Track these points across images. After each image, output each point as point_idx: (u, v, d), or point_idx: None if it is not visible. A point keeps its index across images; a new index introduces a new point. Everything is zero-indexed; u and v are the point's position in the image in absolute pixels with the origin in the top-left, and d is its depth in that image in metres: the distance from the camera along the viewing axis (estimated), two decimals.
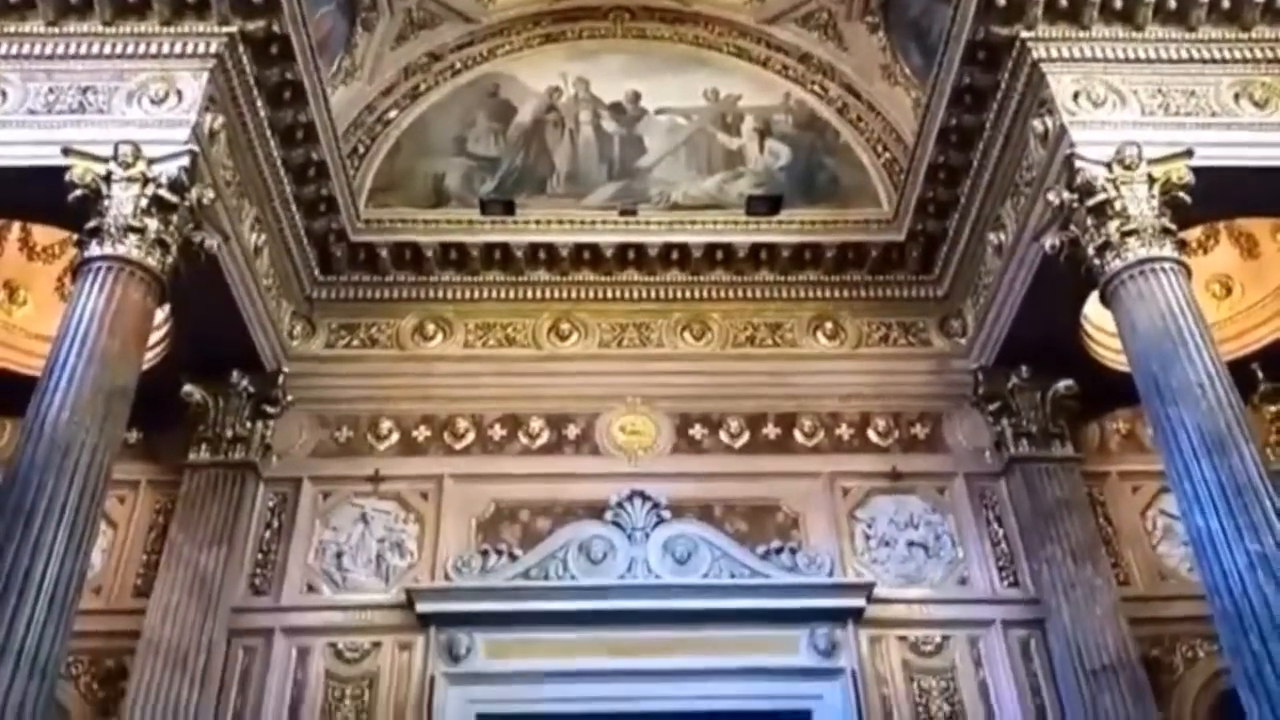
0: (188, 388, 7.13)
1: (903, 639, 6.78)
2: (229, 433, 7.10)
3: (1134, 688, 6.20)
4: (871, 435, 7.65)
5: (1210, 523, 5.00)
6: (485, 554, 7.02)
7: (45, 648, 4.57)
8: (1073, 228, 6.10)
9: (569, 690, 6.57)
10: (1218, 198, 6.05)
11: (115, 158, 5.75)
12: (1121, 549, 7.05)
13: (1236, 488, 5.05)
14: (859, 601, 6.83)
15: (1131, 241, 5.78)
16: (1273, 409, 7.29)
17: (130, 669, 6.22)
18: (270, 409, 7.31)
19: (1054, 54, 6.40)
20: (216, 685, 6.34)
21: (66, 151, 5.78)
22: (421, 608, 6.74)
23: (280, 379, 7.39)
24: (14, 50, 6.26)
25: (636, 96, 9.07)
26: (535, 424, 7.62)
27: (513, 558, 7.02)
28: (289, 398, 7.42)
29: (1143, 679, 6.27)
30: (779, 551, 7.08)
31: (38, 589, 4.62)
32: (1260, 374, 7.13)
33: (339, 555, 7.03)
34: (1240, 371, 6.48)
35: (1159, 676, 6.48)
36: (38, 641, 4.56)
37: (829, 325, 8.07)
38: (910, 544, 7.17)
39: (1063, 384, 7.30)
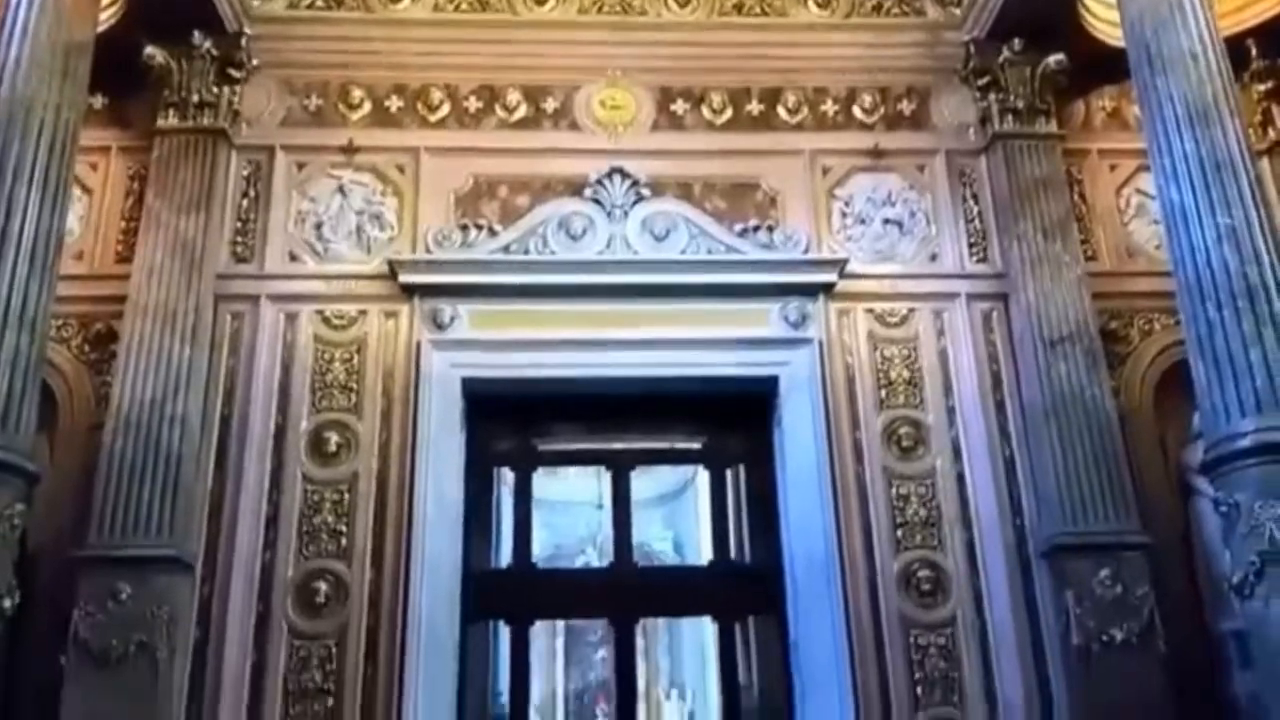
0: (149, 50, 6.82)
1: (870, 311, 7.01)
2: (195, 98, 6.88)
3: (1089, 356, 6.52)
4: (856, 112, 7.50)
5: (1185, 196, 5.06)
6: (465, 228, 7.05)
7: (31, 304, 4.69)
8: None
9: (549, 358, 6.84)
10: None
11: None
12: (1093, 226, 7.17)
13: (1215, 163, 5.07)
14: (831, 276, 7.01)
15: None
16: (1262, 88, 7.17)
17: (119, 332, 6.38)
18: (235, 73, 7.03)
19: None
20: (207, 347, 6.52)
21: None
22: (404, 278, 6.86)
23: (243, 40, 7.06)
24: None
25: None
26: (512, 96, 7.41)
27: (492, 233, 7.06)
28: (254, 61, 7.11)
29: (1099, 348, 6.57)
30: (756, 229, 7.15)
31: (16, 246, 4.68)
32: (1254, 50, 6.96)
33: (318, 226, 7.04)
34: (1236, 49, 6.32)
35: (1114, 347, 6.78)
36: (23, 297, 4.67)
37: None
38: (886, 221, 7.25)
39: (1054, 58, 7.09)
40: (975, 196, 7.29)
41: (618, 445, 7.45)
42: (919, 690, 6.24)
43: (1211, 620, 6.28)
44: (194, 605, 6.11)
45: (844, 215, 7.27)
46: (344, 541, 6.36)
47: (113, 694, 5.61)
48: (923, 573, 6.45)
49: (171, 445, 6.10)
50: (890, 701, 6.19)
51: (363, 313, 6.84)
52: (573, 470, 11.44)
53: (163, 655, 5.77)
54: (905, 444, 6.72)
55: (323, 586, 6.25)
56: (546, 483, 9.91)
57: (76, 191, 6.37)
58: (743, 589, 7.05)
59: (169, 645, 5.82)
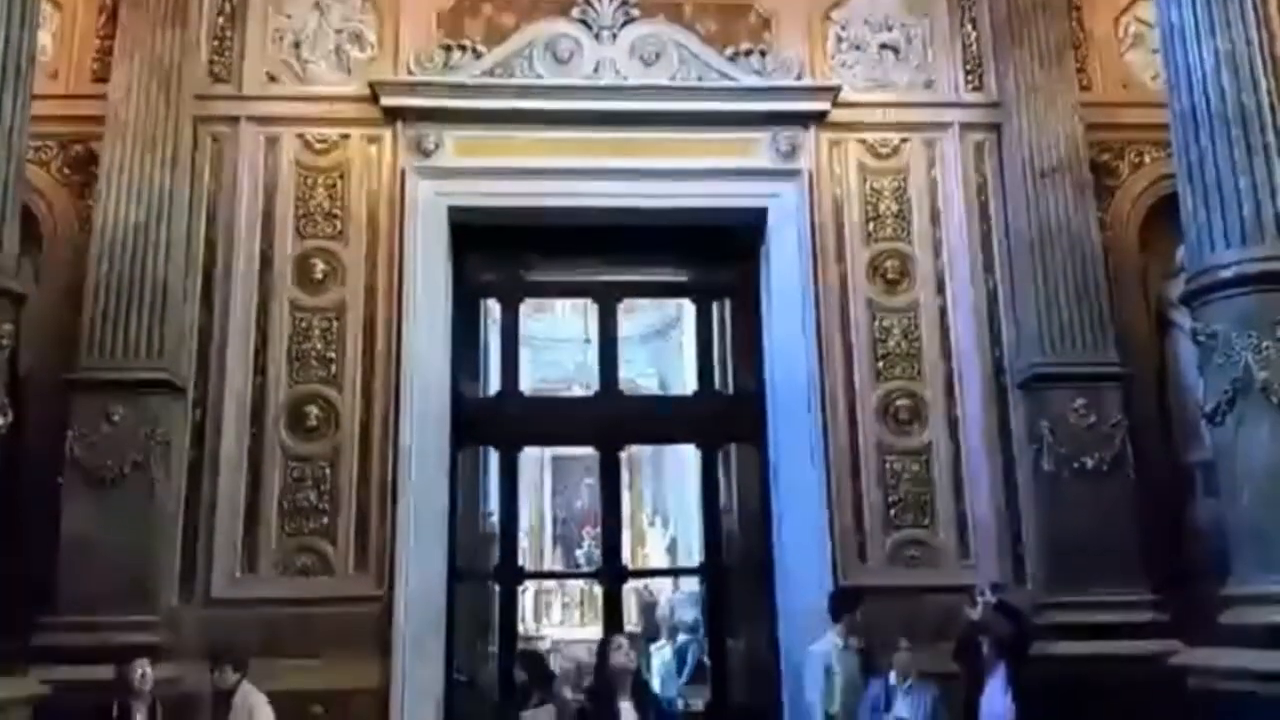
0: None
1: (862, 142, 6.92)
2: None
3: (1078, 188, 6.49)
4: None
5: (1185, 17, 4.94)
6: (448, 49, 6.84)
7: (7, 118, 4.58)
8: None
9: (535, 186, 6.77)
10: None
11: None
12: (1089, 55, 7.00)
13: None
14: (824, 105, 6.88)
15: None
16: None
17: (99, 154, 6.26)
18: None
19: None
20: (189, 171, 6.41)
21: None
22: (386, 101, 6.71)
23: None
24: None
25: None
26: None
27: (477, 54, 6.86)
28: None
29: (1088, 180, 6.54)
30: (748, 54, 6.97)
31: None
32: None
33: (296, 45, 6.82)
34: None
35: (1104, 179, 6.74)
36: None
37: None
38: (882, 47, 7.06)
39: None
40: (974, 21, 7.09)
41: (605, 277, 7.45)
42: (892, 512, 6.47)
43: (1181, 452, 6.48)
44: (187, 428, 6.22)
45: (839, 40, 7.08)
46: (334, 368, 6.43)
47: (111, 513, 5.79)
48: (901, 401, 6.60)
49: (158, 270, 6.09)
50: (864, 522, 6.43)
51: (345, 137, 6.72)
52: (560, 306, 11.51)
53: (159, 476, 5.93)
54: (890, 277, 6.76)
55: (314, 410, 6.36)
56: (533, 321, 9.98)
57: (47, 8, 6.15)
58: (726, 417, 7.20)
59: (164, 466, 5.97)
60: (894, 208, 6.85)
